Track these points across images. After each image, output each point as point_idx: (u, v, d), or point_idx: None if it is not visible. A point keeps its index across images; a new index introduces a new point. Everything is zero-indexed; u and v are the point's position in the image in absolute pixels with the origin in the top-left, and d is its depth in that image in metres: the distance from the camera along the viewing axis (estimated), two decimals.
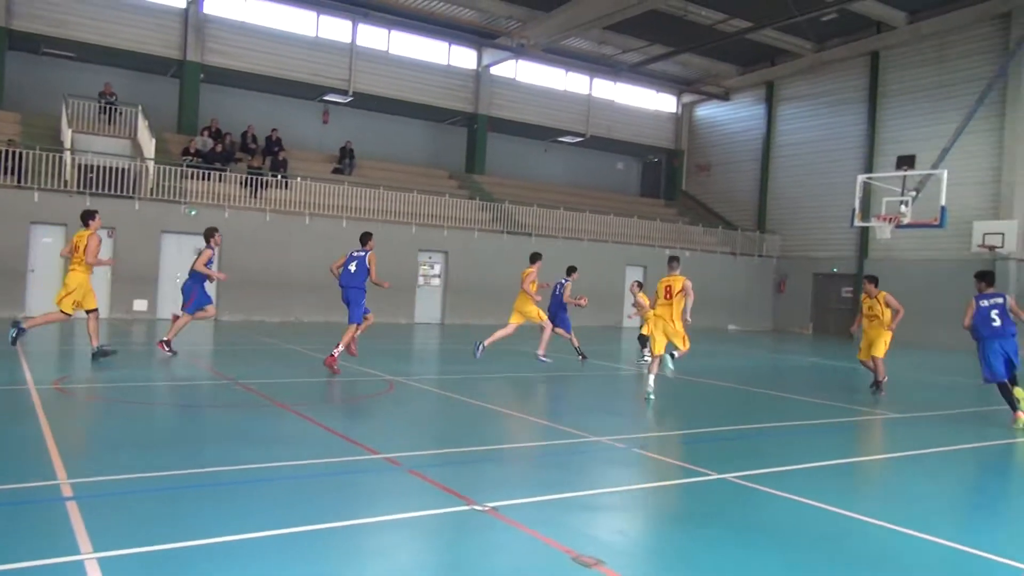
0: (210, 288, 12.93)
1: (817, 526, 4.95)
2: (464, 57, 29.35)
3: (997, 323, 9.34)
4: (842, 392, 12.61)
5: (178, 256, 20.36)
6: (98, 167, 19.54)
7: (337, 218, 22.42)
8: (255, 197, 21.92)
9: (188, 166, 21.25)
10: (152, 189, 20.20)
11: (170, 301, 20.20)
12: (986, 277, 9.90)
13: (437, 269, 24.52)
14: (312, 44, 26.22)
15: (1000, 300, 9.48)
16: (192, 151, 22.29)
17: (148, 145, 20.96)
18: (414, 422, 8.36)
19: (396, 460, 6.07)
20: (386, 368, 11.77)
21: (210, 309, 12.47)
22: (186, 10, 24.08)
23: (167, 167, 20.66)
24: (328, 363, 10.95)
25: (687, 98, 34.81)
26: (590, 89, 32.29)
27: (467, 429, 7.86)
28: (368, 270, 11.53)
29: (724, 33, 26.64)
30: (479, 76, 29.44)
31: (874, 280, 12.20)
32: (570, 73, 31.63)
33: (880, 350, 11.78)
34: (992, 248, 22.87)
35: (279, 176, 22.81)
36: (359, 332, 11.91)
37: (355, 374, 11.16)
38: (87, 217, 10.97)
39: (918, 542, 4.70)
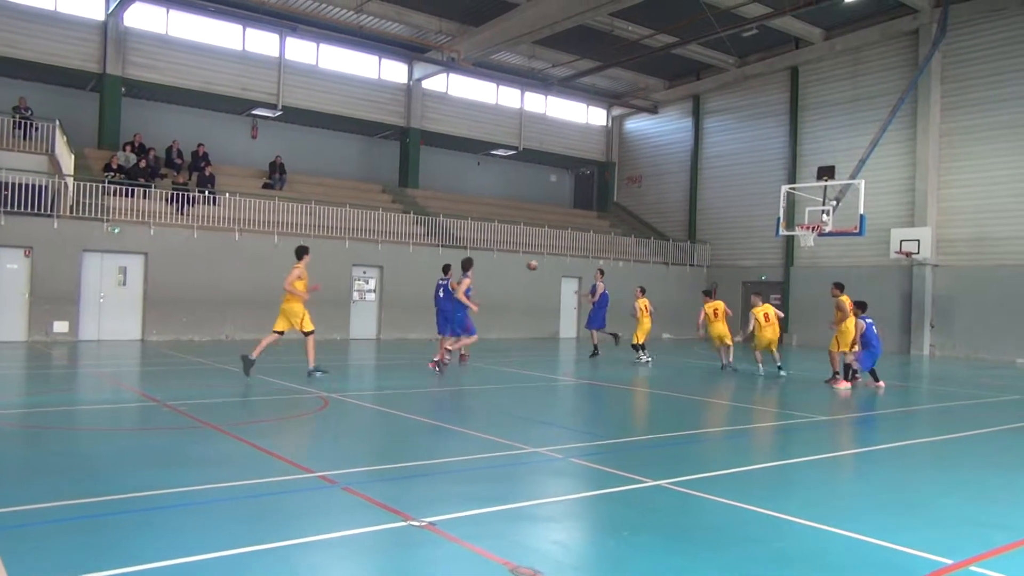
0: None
1: (749, 528, 5.07)
2: (395, 71, 29.26)
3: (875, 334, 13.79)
4: (770, 397, 12.95)
5: (100, 275, 19.70)
6: (13, 184, 18.75)
7: (268, 234, 22.01)
8: (182, 214, 21.35)
9: (110, 182, 20.57)
10: (72, 206, 19.48)
11: (92, 322, 19.54)
12: (862, 305, 13.87)
13: (372, 284, 24.28)
14: (239, 58, 25.76)
15: (871, 321, 13.90)
16: (114, 167, 21.60)
17: (67, 161, 20.23)
18: (349, 439, 8.26)
19: (331, 478, 5.99)
20: (321, 385, 11.59)
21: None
22: (105, 23, 23.35)
23: (87, 183, 19.96)
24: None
25: (617, 111, 35.42)
26: (522, 103, 32.56)
27: (403, 444, 7.80)
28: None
29: (650, 48, 27.24)
30: (410, 90, 29.38)
31: (840, 286, 14.73)
32: (502, 87, 31.85)
33: (846, 346, 14.12)
34: (909, 254, 23.87)
35: (206, 192, 22.28)
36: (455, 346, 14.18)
37: (289, 392, 10.96)
38: (300, 252, 12.74)
39: (844, 539, 4.86)
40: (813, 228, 20.43)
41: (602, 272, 19.42)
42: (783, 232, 22.02)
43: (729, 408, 11.23)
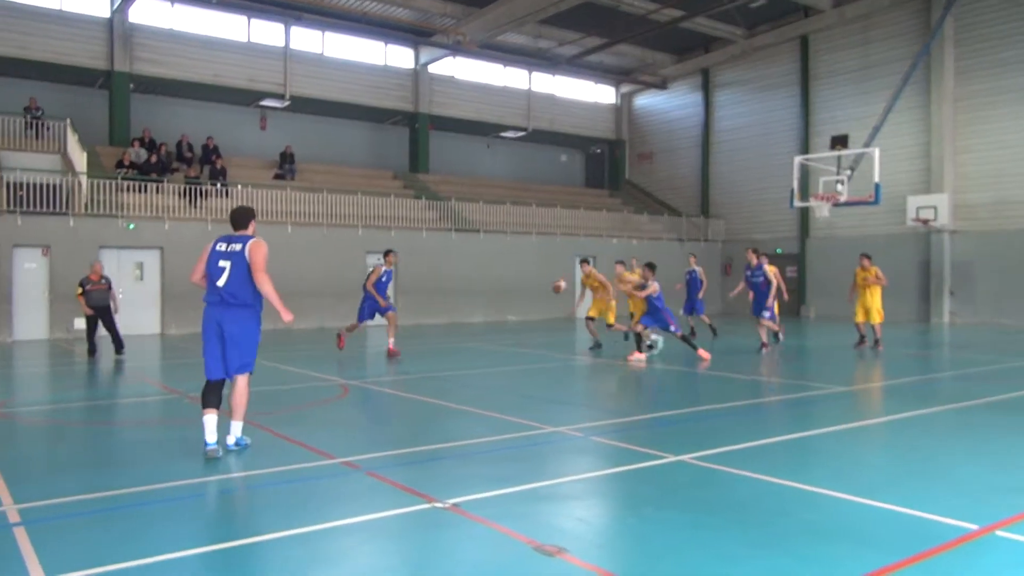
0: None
1: (775, 501, 5.06)
2: (401, 56, 29.15)
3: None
4: (790, 369, 12.91)
5: (117, 271, 19.85)
6: (28, 184, 18.90)
7: (281, 224, 22.09)
8: (195, 207, 21.45)
9: (123, 179, 20.69)
10: (87, 204, 19.62)
11: None
12: (651, 267, 13.61)
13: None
14: (245, 49, 25.75)
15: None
16: (126, 163, 21.71)
17: (79, 159, 20.34)
18: (370, 424, 8.31)
19: (354, 463, 6.03)
20: (339, 372, 11.66)
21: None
22: (111, 19, 23.38)
23: (101, 181, 20.08)
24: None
25: (626, 88, 35.15)
26: (529, 83, 32.37)
27: (424, 428, 7.84)
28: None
29: (657, 22, 26.94)
30: (417, 75, 29.28)
31: (869, 256, 15.31)
32: (509, 68, 31.67)
33: (876, 318, 14.99)
34: (926, 222, 23.63)
35: (219, 185, 22.36)
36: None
37: (308, 379, 11.03)
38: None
39: (872, 509, 4.85)
40: (828, 198, 20.26)
41: (694, 256, 19.50)
42: (797, 204, 21.85)
43: (747, 382, 11.20)
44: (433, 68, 29.64)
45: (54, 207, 19.08)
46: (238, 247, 6.35)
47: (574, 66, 31.62)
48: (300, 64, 26.65)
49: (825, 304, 26.82)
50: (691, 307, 18.23)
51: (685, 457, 6.12)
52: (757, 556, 4.03)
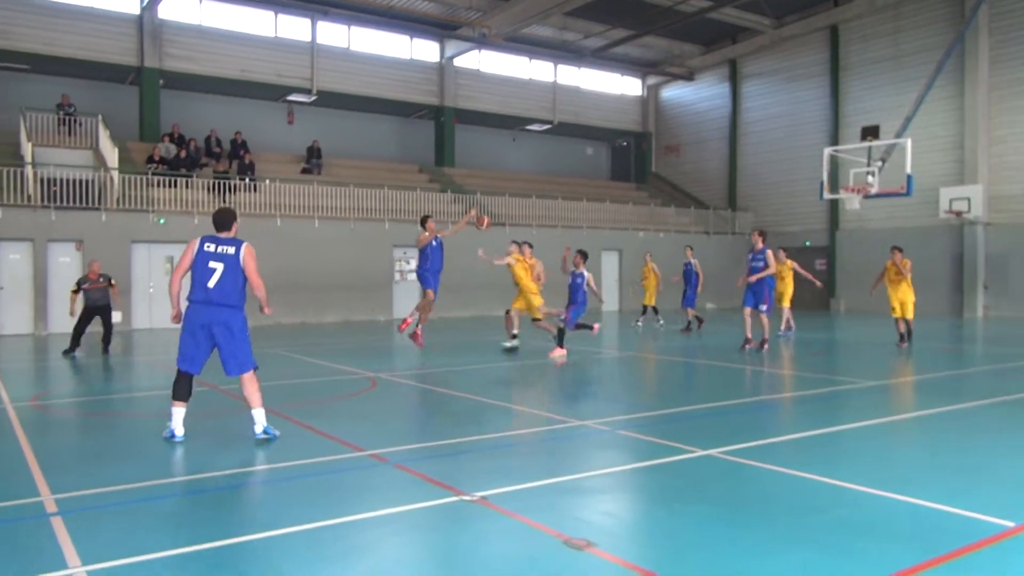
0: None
1: (806, 496, 5.01)
2: (426, 50, 29.19)
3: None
4: (818, 364, 12.78)
5: (148, 266, 20.14)
6: (61, 180, 19.22)
7: (309, 218, 22.26)
8: (224, 202, 21.66)
9: (153, 174, 20.96)
10: (118, 199, 19.90)
11: (143, 312, 20.01)
12: (584, 255, 13.08)
13: (413, 264, 24.40)
14: (272, 44, 25.94)
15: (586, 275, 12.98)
16: (156, 159, 21.99)
17: (111, 155, 20.63)
18: (398, 417, 8.36)
19: (382, 456, 6.07)
20: (367, 365, 11.73)
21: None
22: (140, 16, 23.66)
23: (132, 176, 20.35)
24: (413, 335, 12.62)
25: (652, 80, 34.91)
26: (555, 76, 32.27)
27: (451, 421, 7.87)
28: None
29: (684, 13, 26.70)
30: (443, 68, 29.30)
31: (900, 249, 14.59)
32: (534, 61, 31.58)
33: (910, 312, 14.32)
34: (959, 213, 23.22)
35: (247, 179, 22.57)
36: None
37: (336, 372, 11.11)
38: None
39: (905, 505, 4.79)
40: (858, 190, 19.99)
41: (691, 248, 19.43)
42: (827, 196, 21.58)
43: (775, 376, 11.11)
44: (459, 61, 29.65)
45: (87, 202, 19.38)
46: (231, 250, 6.54)
47: (600, 58, 31.46)
48: (327, 59, 26.79)
49: (855, 297, 26.49)
50: (691, 300, 18.38)
51: (713, 451, 6.09)
52: (787, 551, 3.99)
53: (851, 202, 20.32)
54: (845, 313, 26.17)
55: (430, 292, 12.52)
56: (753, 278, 13.44)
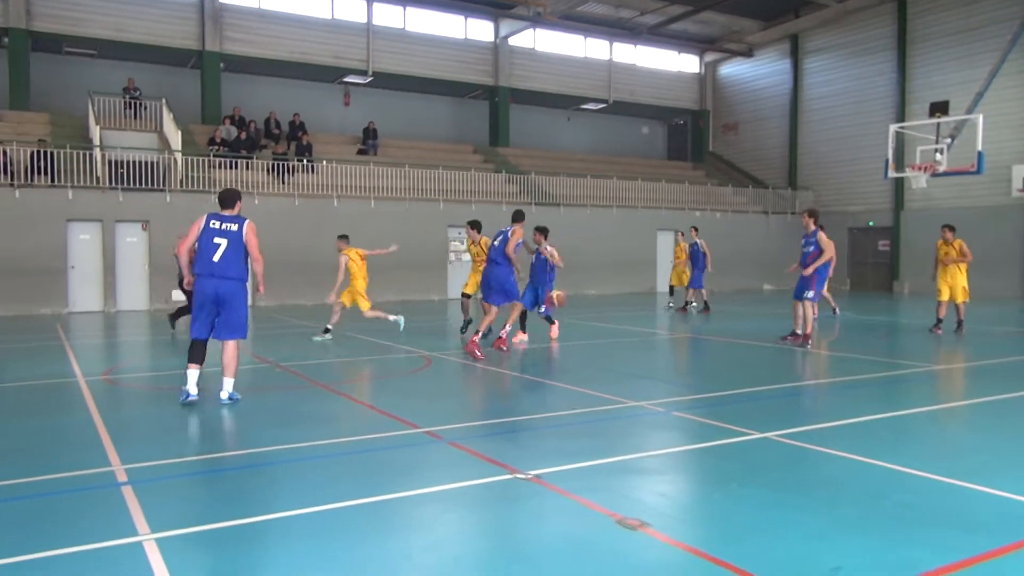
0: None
1: (867, 481, 4.91)
2: (481, 29, 29.10)
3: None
4: (881, 346, 12.45)
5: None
6: (127, 162, 19.80)
7: (365, 199, 22.52)
8: (282, 183, 22.07)
9: (215, 156, 21.44)
10: (181, 180, 20.42)
11: None
12: (544, 231, 12.18)
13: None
14: (329, 26, 26.17)
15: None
16: (218, 141, 22.47)
17: (174, 137, 21.16)
18: (453, 396, 8.43)
19: (437, 433, 6.14)
20: (423, 344, 11.85)
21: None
22: (202, 1, 24.13)
23: (194, 158, 20.86)
24: (496, 345, 10.96)
25: (710, 57, 34.21)
26: (611, 54, 31.86)
27: (506, 400, 7.91)
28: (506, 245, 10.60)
29: None
30: (497, 48, 29.19)
31: (952, 228, 13.42)
32: (589, 39, 31.22)
33: (960, 296, 13.25)
34: None
35: (304, 161, 22.92)
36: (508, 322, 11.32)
37: (393, 351, 11.26)
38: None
39: (972, 493, 4.65)
40: (925, 168, 19.31)
41: (696, 229, 18.87)
42: (892, 174, 20.90)
43: (833, 358, 10.86)
44: (513, 41, 29.49)
45: (152, 184, 19.94)
46: (234, 227, 7.09)
47: (656, 35, 30.94)
48: (382, 40, 26.92)
49: (919, 279, 25.62)
50: (698, 281, 17.89)
51: (771, 434, 5.99)
52: (849, 537, 3.91)
53: (917, 181, 19.66)
54: (909, 296, 25.43)
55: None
56: (809, 270, 11.55)
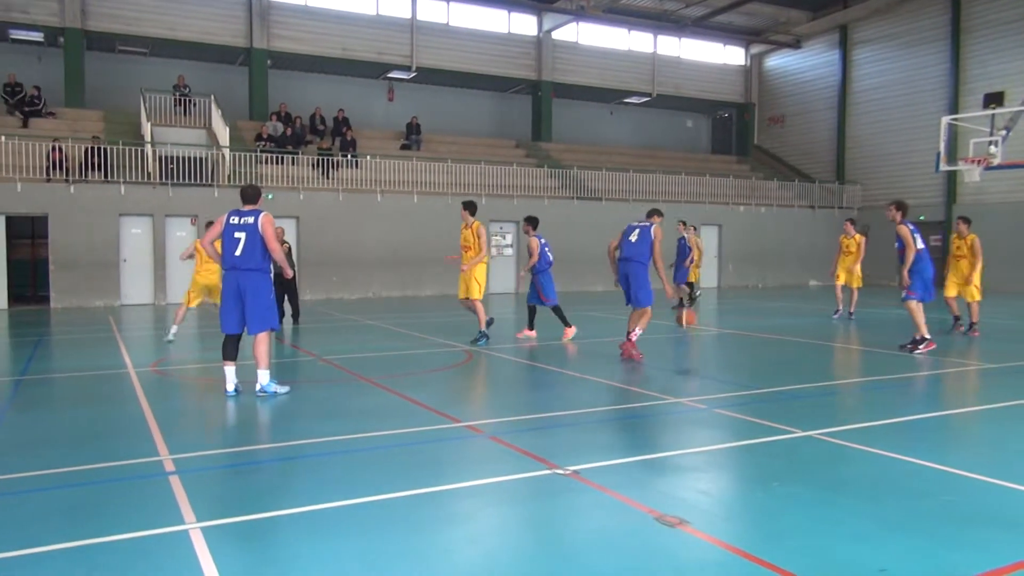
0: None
1: (912, 481, 4.81)
2: (524, 24, 29.06)
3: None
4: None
5: None
6: (177, 158, 20.25)
7: (408, 194, 22.70)
8: (327, 178, 22.36)
9: (262, 151, 21.81)
10: (229, 176, 20.81)
11: None
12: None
13: (509, 239, 24.58)
14: (373, 22, 26.39)
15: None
16: (264, 136, 22.84)
17: (223, 133, 21.57)
18: (493, 390, 8.47)
19: (477, 428, 6.17)
20: (463, 339, 11.92)
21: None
22: None
23: (242, 154, 21.25)
24: (626, 351, 9.73)
25: (756, 49, 33.68)
26: (654, 47, 31.56)
27: (546, 395, 7.92)
28: (651, 245, 9.58)
29: None
30: (540, 42, 29.13)
31: (967, 221, 12.64)
32: (633, 32, 30.97)
33: (973, 295, 12.37)
34: None
35: (349, 156, 23.18)
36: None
37: (433, 346, 11.34)
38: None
39: (1021, 495, 4.53)
40: (979, 161, 18.79)
41: (683, 223, 18.02)
42: (944, 167, 20.39)
43: (876, 355, 10.64)
44: (556, 35, 29.40)
45: (201, 179, 20.37)
46: (251, 220, 7.32)
47: (701, 27, 30.56)
48: (426, 35, 27.06)
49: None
50: (683, 276, 17.22)
51: (814, 433, 5.91)
52: (894, 537, 3.84)
53: (971, 174, 19.13)
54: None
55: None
56: (904, 270, 10.46)
